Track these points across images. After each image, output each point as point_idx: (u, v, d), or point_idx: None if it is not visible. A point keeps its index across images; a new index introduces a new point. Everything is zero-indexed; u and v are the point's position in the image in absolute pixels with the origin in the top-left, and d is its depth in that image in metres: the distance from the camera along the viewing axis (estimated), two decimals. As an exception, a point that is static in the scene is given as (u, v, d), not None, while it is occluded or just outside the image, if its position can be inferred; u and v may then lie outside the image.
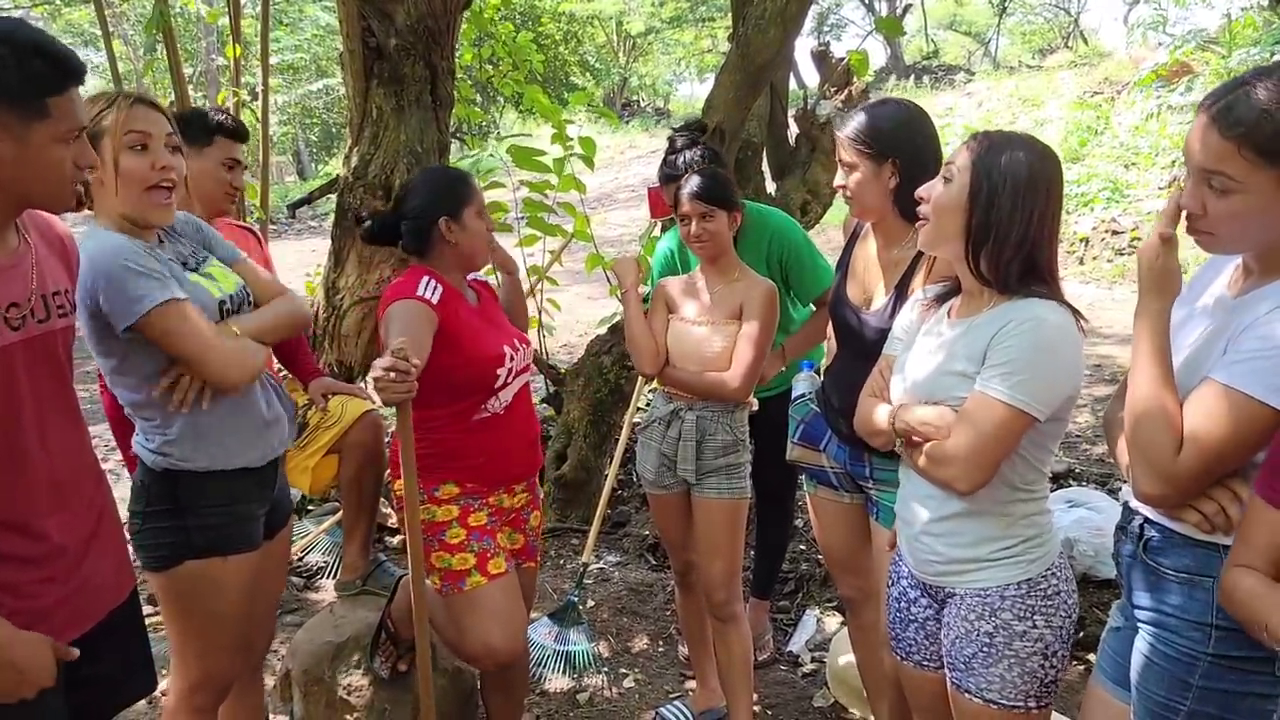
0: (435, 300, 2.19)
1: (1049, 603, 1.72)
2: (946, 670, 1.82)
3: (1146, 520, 1.55)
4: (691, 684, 3.19)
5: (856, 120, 2.18)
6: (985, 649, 1.73)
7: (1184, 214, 1.46)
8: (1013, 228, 1.65)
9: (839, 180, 2.24)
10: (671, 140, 3.13)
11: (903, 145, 2.14)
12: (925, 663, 1.91)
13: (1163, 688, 1.50)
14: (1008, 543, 1.74)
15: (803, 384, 2.52)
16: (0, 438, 1.50)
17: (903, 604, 1.93)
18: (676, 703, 3.01)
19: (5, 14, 9.13)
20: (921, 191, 1.77)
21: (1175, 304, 1.51)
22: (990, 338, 1.67)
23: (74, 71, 1.48)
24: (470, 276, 2.47)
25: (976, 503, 1.73)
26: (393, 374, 1.84)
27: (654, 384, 2.85)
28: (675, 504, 2.75)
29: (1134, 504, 1.58)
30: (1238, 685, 1.39)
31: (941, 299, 1.88)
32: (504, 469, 2.37)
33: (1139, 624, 1.57)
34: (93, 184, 1.86)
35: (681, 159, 2.95)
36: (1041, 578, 1.73)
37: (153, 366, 1.90)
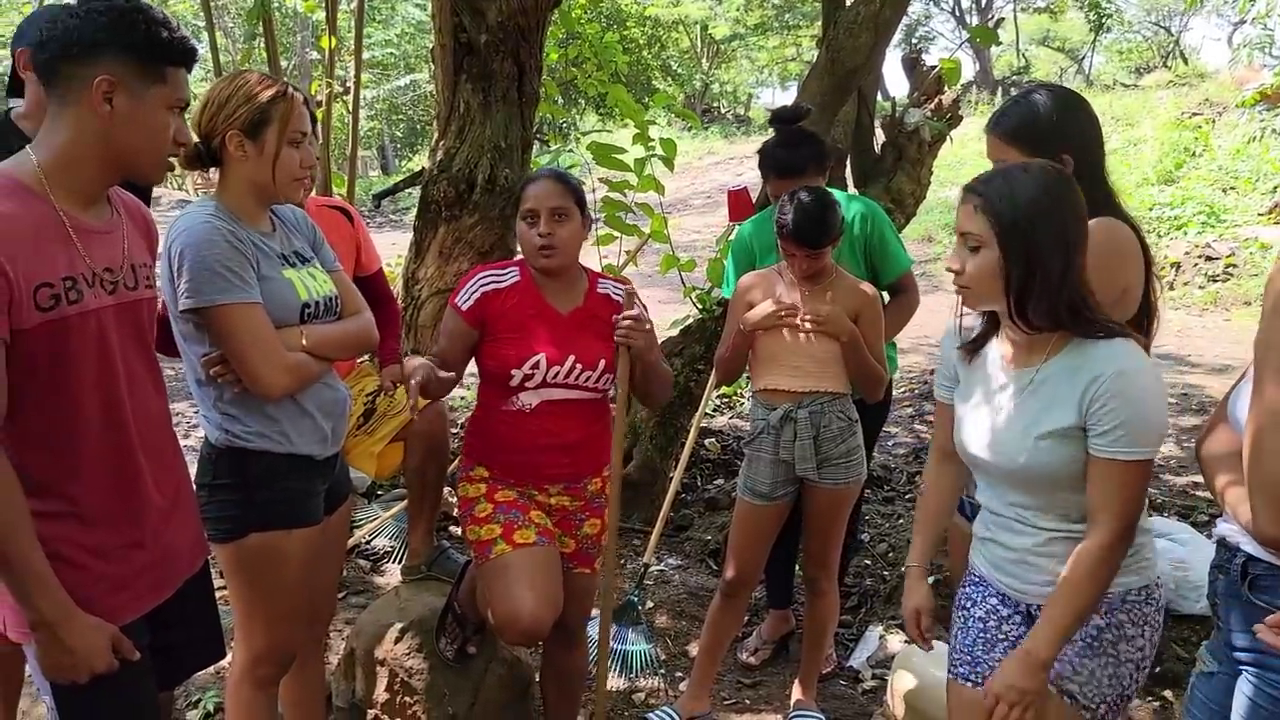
0: (466, 307, 2.36)
1: (1159, 616, 1.75)
2: None
3: (1250, 558, 1.48)
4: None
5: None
6: (1089, 642, 1.71)
7: None
8: (1053, 268, 1.62)
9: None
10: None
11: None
12: None
13: None
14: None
15: None
16: (98, 393, 1.58)
17: (991, 623, 1.87)
18: (665, 708, 2.95)
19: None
20: (952, 263, 1.72)
21: None
22: (1081, 393, 1.64)
23: (191, 52, 1.63)
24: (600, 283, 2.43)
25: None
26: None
27: (753, 390, 2.80)
28: (777, 515, 2.79)
29: (1233, 539, 1.52)
30: None
31: (978, 341, 1.83)
32: (526, 465, 2.40)
33: (1241, 666, 1.50)
34: (229, 159, 1.93)
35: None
36: (1157, 585, 1.75)
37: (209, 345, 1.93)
